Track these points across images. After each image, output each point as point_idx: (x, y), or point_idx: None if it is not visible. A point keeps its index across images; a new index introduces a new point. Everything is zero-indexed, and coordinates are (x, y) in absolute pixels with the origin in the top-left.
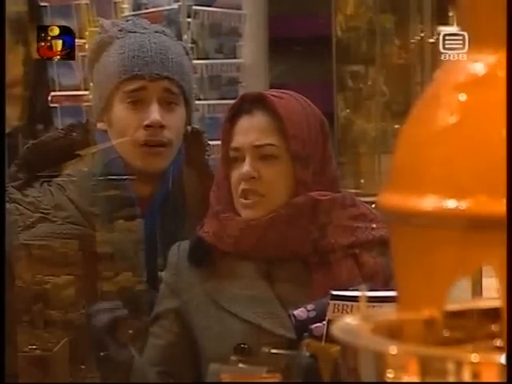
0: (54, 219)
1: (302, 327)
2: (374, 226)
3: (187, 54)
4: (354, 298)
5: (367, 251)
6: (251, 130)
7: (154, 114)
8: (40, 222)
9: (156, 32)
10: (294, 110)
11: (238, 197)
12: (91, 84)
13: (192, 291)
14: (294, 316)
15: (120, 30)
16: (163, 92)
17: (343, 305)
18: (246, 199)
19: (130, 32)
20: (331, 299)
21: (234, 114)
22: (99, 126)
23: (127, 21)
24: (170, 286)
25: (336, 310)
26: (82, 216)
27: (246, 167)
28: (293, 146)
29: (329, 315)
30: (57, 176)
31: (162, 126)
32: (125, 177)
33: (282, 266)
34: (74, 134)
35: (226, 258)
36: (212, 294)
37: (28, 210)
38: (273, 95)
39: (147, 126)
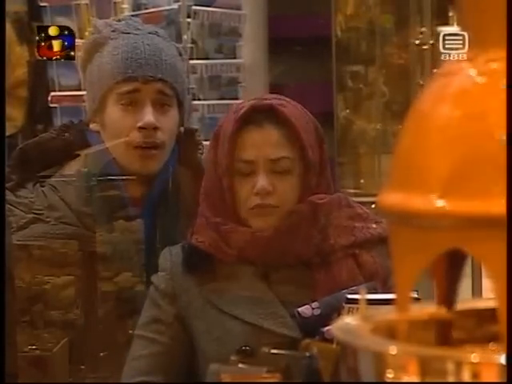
0: (47, 220)
1: (307, 324)
2: (374, 225)
3: (180, 54)
4: (369, 301)
5: (366, 250)
6: (264, 143)
7: (148, 116)
8: (33, 223)
9: (149, 33)
10: (301, 118)
11: (247, 208)
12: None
13: (189, 296)
14: (298, 313)
15: (113, 31)
16: (157, 94)
17: (357, 308)
18: (259, 210)
19: (124, 33)
20: (346, 303)
21: (242, 126)
22: (92, 126)
23: (119, 21)
24: (163, 291)
25: (350, 313)
26: (75, 216)
27: (261, 182)
28: (307, 156)
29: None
30: (50, 177)
31: (155, 128)
32: (120, 177)
33: (281, 268)
34: (66, 134)
35: (224, 263)
36: (211, 298)
37: (21, 210)
38: (279, 105)
39: (141, 128)
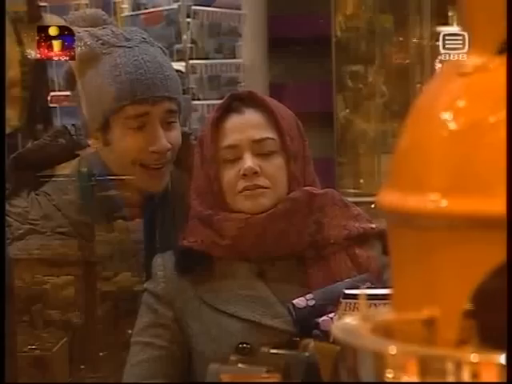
0: (43, 230)
1: (302, 315)
2: (366, 223)
3: (165, 54)
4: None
5: (359, 245)
6: (246, 126)
7: (161, 140)
8: (29, 234)
9: (140, 42)
10: (281, 108)
11: (236, 194)
12: (79, 87)
13: (185, 298)
14: (293, 305)
15: (103, 44)
16: (165, 113)
17: (355, 303)
18: (248, 192)
19: (115, 46)
20: (343, 298)
21: (223, 114)
22: (92, 143)
23: (94, 24)
24: (159, 296)
25: (348, 308)
26: (71, 225)
27: (247, 163)
28: (287, 141)
29: (340, 313)
30: (46, 179)
31: (167, 149)
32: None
33: (276, 264)
34: (60, 140)
35: (218, 261)
36: (206, 298)
37: (16, 220)
38: (258, 94)
39: (154, 153)
